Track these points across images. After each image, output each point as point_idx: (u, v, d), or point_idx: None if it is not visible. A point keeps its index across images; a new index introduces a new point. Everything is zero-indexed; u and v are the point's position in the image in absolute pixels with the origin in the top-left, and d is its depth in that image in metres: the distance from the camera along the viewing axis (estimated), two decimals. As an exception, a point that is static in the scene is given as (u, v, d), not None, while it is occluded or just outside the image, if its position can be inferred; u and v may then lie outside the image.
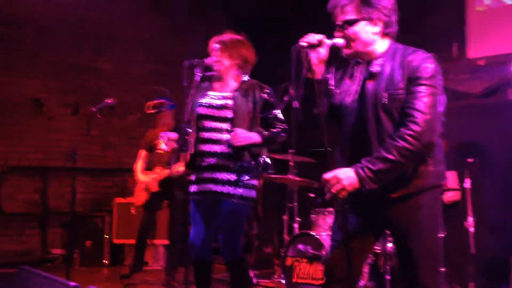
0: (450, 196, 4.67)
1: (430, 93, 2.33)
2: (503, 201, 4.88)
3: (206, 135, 3.45)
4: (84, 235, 6.37)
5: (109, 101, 4.53)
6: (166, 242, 5.88)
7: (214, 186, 3.39)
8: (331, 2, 2.53)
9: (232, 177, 3.37)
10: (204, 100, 3.51)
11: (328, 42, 2.49)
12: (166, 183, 5.09)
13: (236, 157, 3.39)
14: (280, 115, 3.55)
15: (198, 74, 3.33)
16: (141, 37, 7.66)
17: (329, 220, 4.66)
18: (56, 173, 6.84)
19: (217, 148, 3.41)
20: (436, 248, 2.47)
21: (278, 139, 3.51)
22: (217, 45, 3.52)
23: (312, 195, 5.21)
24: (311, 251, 4.48)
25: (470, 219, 4.33)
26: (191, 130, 3.34)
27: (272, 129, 3.49)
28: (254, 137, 3.42)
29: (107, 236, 6.35)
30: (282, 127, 3.52)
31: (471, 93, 5.59)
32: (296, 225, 5.00)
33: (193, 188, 3.48)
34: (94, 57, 7.31)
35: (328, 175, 2.34)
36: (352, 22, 2.46)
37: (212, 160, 3.40)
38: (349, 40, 2.49)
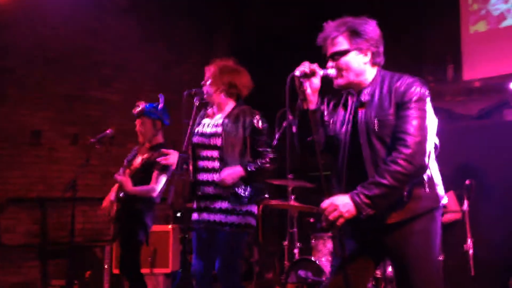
0: (449, 217, 4.67)
1: (418, 116, 2.38)
2: (502, 223, 4.87)
3: (200, 164, 3.46)
4: (84, 266, 6.33)
5: (108, 131, 4.58)
6: (166, 270, 5.84)
7: (208, 215, 3.40)
8: (321, 35, 2.60)
9: (225, 205, 3.36)
10: (198, 129, 3.54)
11: (321, 72, 2.54)
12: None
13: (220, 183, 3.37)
14: (268, 143, 3.51)
15: (196, 103, 3.37)
16: (149, 67, 7.75)
17: (329, 245, 4.66)
18: (56, 203, 6.83)
19: (209, 176, 3.41)
20: (435, 273, 2.48)
21: (266, 170, 3.46)
22: (210, 73, 3.54)
23: (312, 220, 5.21)
24: (311, 277, 4.47)
25: (469, 241, 4.32)
26: (187, 156, 3.36)
27: (260, 160, 3.43)
28: (241, 172, 3.37)
29: (107, 266, 6.32)
30: (270, 156, 3.45)
31: (467, 115, 5.63)
32: (296, 251, 4.99)
33: (193, 217, 3.50)
34: (101, 87, 7.38)
35: (325, 203, 2.37)
36: (343, 53, 2.53)
37: (206, 189, 3.41)
38: (341, 70, 2.54)
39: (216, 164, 3.39)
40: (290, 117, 3.91)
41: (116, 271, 6.24)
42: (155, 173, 4.27)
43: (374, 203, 2.32)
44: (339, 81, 2.57)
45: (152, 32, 7.84)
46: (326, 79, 2.58)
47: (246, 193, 3.37)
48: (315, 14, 6.98)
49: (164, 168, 4.23)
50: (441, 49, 6.06)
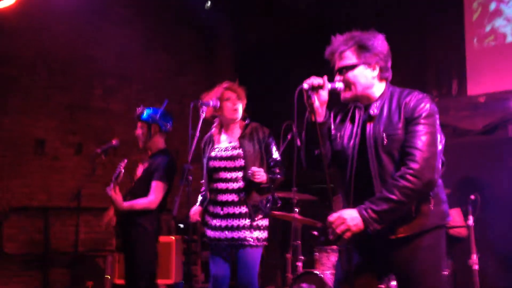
0: (455, 232, 4.65)
1: (428, 131, 2.39)
2: (507, 238, 4.86)
3: (222, 185, 3.62)
4: (86, 275, 6.31)
5: (113, 142, 4.52)
6: (169, 281, 5.82)
7: (231, 232, 3.58)
8: (329, 49, 2.61)
9: (247, 222, 3.56)
10: (213, 153, 3.68)
11: (329, 85, 2.55)
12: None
13: (248, 200, 3.57)
14: (278, 159, 3.74)
15: (203, 115, 3.41)
16: (152, 77, 7.78)
17: (333, 258, 4.64)
18: (59, 212, 6.83)
19: (234, 197, 3.58)
20: None
21: (277, 182, 3.72)
22: (233, 93, 3.72)
23: (316, 233, 5.19)
24: (315, 290, 4.44)
25: (474, 257, 4.30)
26: (191, 167, 3.41)
27: (272, 172, 3.69)
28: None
29: (109, 276, 6.30)
30: (280, 170, 3.71)
31: (472, 130, 5.63)
32: (299, 264, 4.96)
33: (211, 234, 3.67)
34: (104, 97, 7.40)
35: (332, 217, 2.37)
36: (351, 67, 2.54)
37: (230, 209, 3.59)
38: (348, 84, 2.55)
39: (241, 184, 3.58)
40: (295, 129, 3.96)
41: (118, 281, 6.22)
42: (153, 183, 4.14)
43: (382, 218, 2.33)
44: (346, 95, 2.58)
45: (155, 42, 7.88)
46: (333, 93, 2.59)
47: (264, 207, 3.57)
48: (316, 24, 7.04)
49: (163, 177, 4.14)
50: (445, 64, 6.07)
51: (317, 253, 4.80)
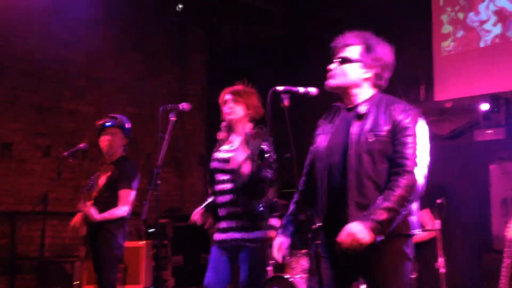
0: (423, 236, 4.72)
1: (417, 142, 2.45)
2: (472, 241, 4.95)
3: (219, 187, 3.63)
4: (53, 281, 6.21)
5: (81, 145, 4.50)
6: (138, 287, 5.77)
7: (232, 234, 3.58)
8: (337, 39, 2.66)
9: (245, 223, 3.55)
10: (215, 155, 3.71)
11: (302, 89, 2.59)
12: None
13: (246, 204, 3.56)
14: (270, 163, 3.65)
15: (172, 119, 3.39)
16: (123, 79, 7.71)
17: (303, 262, 4.66)
18: (26, 217, 6.71)
19: (227, 197, 3.58)
20: None
21: (266, 180, 3.62)
22: (230, 96, 3.66)
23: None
24: (285, 294, 4.46)
25: (440, 260, 4.38)
26: (160, 172, 3.39)
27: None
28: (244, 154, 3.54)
29: (78, 282, 6.21)
30: (270, 169, 3.64)
31: (439, 135, 5.72)
32: (269, 268, 4.97)
33: (217, 237, 3.66)
34: (74, 99, 7.30)
35: (341, 237, 2.38)
36: (349, 61, 2.59)
37: (226, 210, 3.60)
38: (337, 73, 2.60)
39: (229, 186, 3.57)
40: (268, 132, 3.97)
41: (86, 287, 6.14)
42: (120, 192, 4.19)
43: (384, 228, 2.37)
44: (331, 83, 2.62)
45: (126, 44, 7.82)
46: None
47: (260, 208, 3.55)
48: (289, 27, 7.10)
49: (130, 185, 4.21)
50: (413, 70, 6.16)
51: (287, 257, 4.82)
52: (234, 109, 3.64)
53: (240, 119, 3.66)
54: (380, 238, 2.37)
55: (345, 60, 2.59)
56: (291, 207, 2.81)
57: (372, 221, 2.36)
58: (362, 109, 2.55)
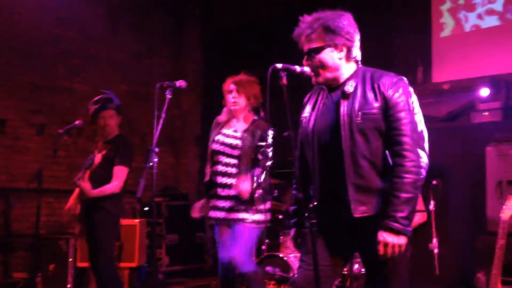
0: (416, 220, 4.73)
1: (411, 117, 2.45)
2: (466, 223, 4.96)
3: (221, 168, 3.81)
4: (48, 259, 6.21)
5: (77, 122, 4.52)
6: (132, 265, 5.78)
7: (228, 214, 3.76)
8: (296, 31, 2.60)
9: (243, 205, 3.72)
10: (217, 137, 3.87)
11: (298, 68, 2.55)
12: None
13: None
14: (268, 152, 3.73)
15: (169, 97, 3.38)
16: (118, 58, 7.64)
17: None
18: (20, 194, 6.68)
19: (228, 180, 3.77)
20: (403, 266, 2.54)
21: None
22: (234, 86, 3.85)
23: (281, 217, 5.22)
24: (279, 273, 4.49)
25: (434, 241, 4.40)
26: (158, 150, 3.40)
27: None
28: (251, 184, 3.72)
29: (71, 259, 6.21)
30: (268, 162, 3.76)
31: (436, 117, 5.71)
32: (264, 247, 4.99)
33: (213, 214, 3.84)
34: (69, 77, 7.24)
35: (380, 249, 2.37)
36: (318, 50, 2.53)
37: (227, 191, 3.77)
38: (317, 67, 2.55)
39: (234, 170, 3.77)
40: (262, 113, 3.98)
41: (80, 264, 6.15)
42: (115, 168, 4.23)
43: (410, 221, 2.39)
44: (318, 79, 2.59)
45: (122, 22, 7.74)
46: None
47: (258, 194, 3.70)
48: (288, 4, 7.01)
49: (125, 162, 4.24)
50: (411, 52, 6.13)
51: (282, 237, 4.83)
52: (238, 99, 3.84)
53: (242, 109, 3.87)
54: (409, 229, 2.38)
55: (314, 51, 2.53)
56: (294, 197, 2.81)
57: (400, 221, 2.35)
58: (349, 88, 2.51)
